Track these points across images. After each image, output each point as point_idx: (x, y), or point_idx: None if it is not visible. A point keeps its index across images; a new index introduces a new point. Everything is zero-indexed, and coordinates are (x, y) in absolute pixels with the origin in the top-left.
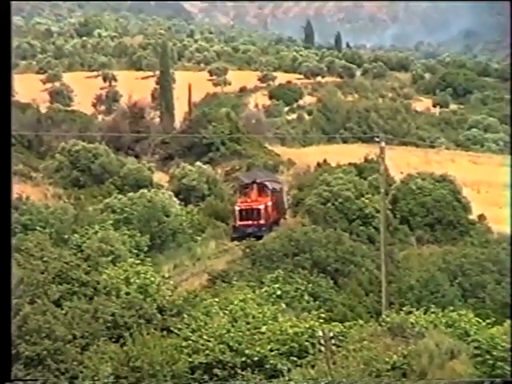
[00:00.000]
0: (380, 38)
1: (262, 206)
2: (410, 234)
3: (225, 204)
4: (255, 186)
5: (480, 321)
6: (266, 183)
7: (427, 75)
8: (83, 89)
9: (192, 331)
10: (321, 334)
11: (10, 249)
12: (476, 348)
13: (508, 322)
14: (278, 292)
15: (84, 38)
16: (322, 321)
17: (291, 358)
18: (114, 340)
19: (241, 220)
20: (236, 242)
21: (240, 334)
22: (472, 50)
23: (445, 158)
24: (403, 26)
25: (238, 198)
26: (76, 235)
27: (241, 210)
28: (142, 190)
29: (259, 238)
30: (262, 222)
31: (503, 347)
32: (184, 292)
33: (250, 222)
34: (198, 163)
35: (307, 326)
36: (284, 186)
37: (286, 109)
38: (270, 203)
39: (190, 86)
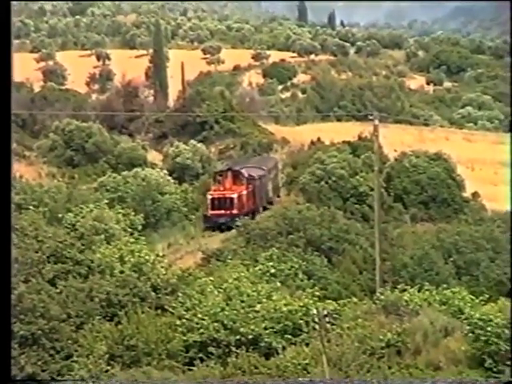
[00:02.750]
0: (374, 15)
1: (235, 195)
2: (404, 212)
3: None
4: (230, 173)
5: (474, 298)
6: (242, 171)
7: (421, 53)
8: (77, 68)
9: (186, 310)
10: (315, 312)
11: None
12: (470, 325)
13: (502, 299)
14: (273, 270)
15: (77, 17)
16: (316, 299)
17: (285, 336)
18: (108, 319)
19: (212, 209)
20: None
21: (234, 312)
22: (466, 27)
23: (439, 136)
24: (397, 3)
25: (211, 186)
26: (70, 214)
27: (213, 199)
28: (136, 169)
29: (232, 228)
30: (234, 211)
31: (497, 324)
32: (178, 270)
33: (223, 212)
34: (192, 142)
35: (301, 304)
36: (268, 172)
37: (280, 87)
38: (244, 192)
39: (183, 64)
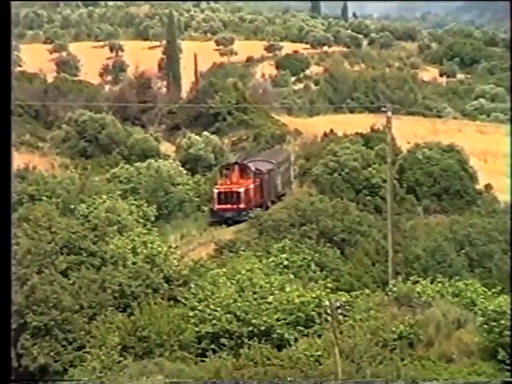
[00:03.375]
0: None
1: (242, 189)
2: (416, 204)
3: None
4: (236, 167)
5: (486, 290)
6: (249, 164)
7: (434, 45)
8: (90, 59)
9: (199, 301)
10: (327, 303)
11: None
12: (483, 317)
13: None
14: (285, 262)
15: (90, 8)
16: (328, 290)
17: (298, 327)
18: (121, 310)
19: (219, 203)
20: None
21: (247, 303)
22: (480, 19)
23: (452, 128)
24: None
25: (218, 180)
26: (83, 205)
27: (219, 193)
28: (148, 160)
29: (238, 223)
30: (241, 206)
31: (510, 316)
32: (191, 262)
33: (229, 206)
34: (205, 133)
35: (314, 295)
36: (277, 166)
37: (293, 79)
38: (251, 186)
39: (196, 55)
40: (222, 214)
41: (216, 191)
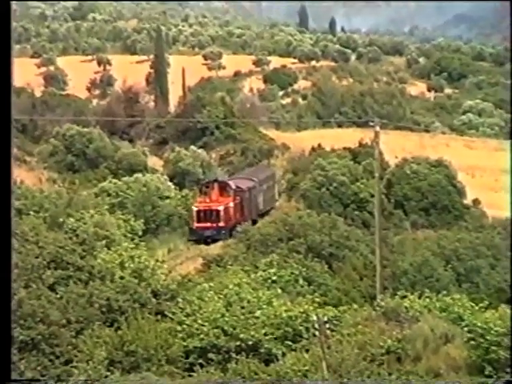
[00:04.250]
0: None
1: (221, 207)
2: (404, 219)
3: None
4: (216, 184)
5: (473, 305)
6: (229, 182)
7: (422, 59)
8: (78, 73)
9: (186, 315)
10: (315, 318)
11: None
12: (470, 332)
13: (502, 306)
14: (273, 277)
15: (78, 22)
16: (316, 305)
17: (286, 342)
18: (108, 324)
19: (198, 222)
20: None
21: (234, 318)
22: (467, 34)
23: (440, 143)
24: (398, 10)
25: (197, 198)
26: (71, 219)
27: (199, 211)
28: (136, 175)
29: (218, 241)
30: (221, 224)
31: (497, 332)
32: (178, 276)
33: (209, 224)
34: (193, 147)
35: (302, 310)
36: (259, 184)
37: (281, 93)
38: (231, 204)
39: (184, 70)
40: (202, 233)
41: (195, 209)
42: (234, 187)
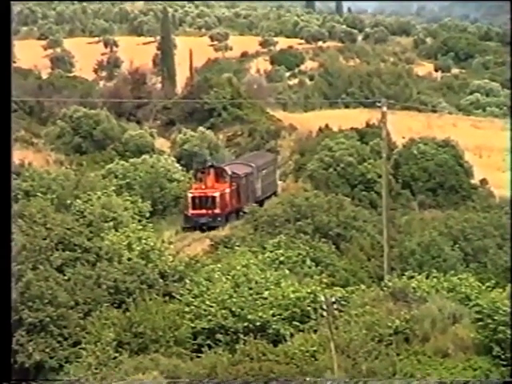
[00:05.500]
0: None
1: (217, 194)
2: (411, 199)
3: None
4: (212, 170)
5: (480, 285)
6: (226, 168)
7: (429, 40)
8: (84, 55)
9: (194, 297)
10: (323, 299)
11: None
12: (478, 312)
13: (510, 285)
14: (281, 257)
15: (85, 4)
16: (324, 286)
17: (293, 323)
18: (116, 306)
19: (193, 208)
20: None
21: (242, 299)
22: (474, 14)
23: (447, 123)
24: None
25: (193, 184)
26: (78, 201)
27: (194, 198)
28: (144, 156)
29: (214, 228)
30: (216, 211)
31: (505, 311)
32: (186, 257)
33: (204, 211)
34: (200, 129)
35: (309, 291)
36: (256, 170)
37: (288, 74)
38: (227, 190)
39: (191, 51)
40: (197, 220)
41: (190, 195)
42: (230, 173)
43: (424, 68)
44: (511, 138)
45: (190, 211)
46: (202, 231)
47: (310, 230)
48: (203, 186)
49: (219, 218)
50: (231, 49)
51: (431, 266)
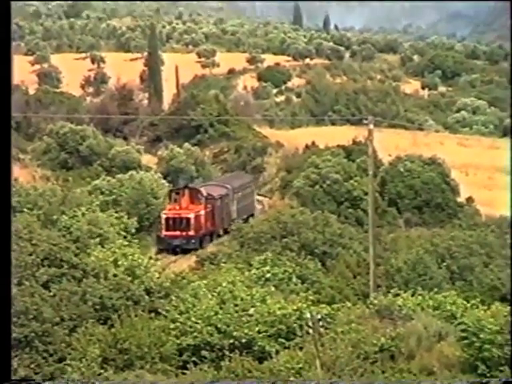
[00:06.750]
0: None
1: (192, 215)
2: (398, 217)
3: None
4: (187, 191)
5: (466, 303)
6: (201, 189)
7: (416, 57)
8: (71, 70)
9: (180, 313)
10: (309, 316)
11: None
12: (463, 331)
13: (496, 304)
14: (267, 274)
15: (72, 20)
16: (309, 303)
17: (279, 339)
18: (101, 322)
19: (167, 230)
20: None
21: (228, 316)
22: (461, 32)
23: (433, 141)
24: (392, 7)
25: (167, 205)
26: (64, 217)
27: (167, 218)
28: (130, 172)
29: (187, 251)
30: (191, 233)
31: (490, 330)
32: (172, 274)
33: (178, 233)
34: (187, 145)
35: (295, 308)
36: (232, 192)
37: (275, 91)
38: (202, 212)
39: (177, 67)
40: (170, 242)
41: (164, 216)
42: (205, 194)
43: (411, 86)
44: (511, 158)
45: (164, 232)
46: (175, 254)
47: (296, 247)
48: (177, 207)
49: (193, 241)
50: (218, 65)
51: (417, 283)
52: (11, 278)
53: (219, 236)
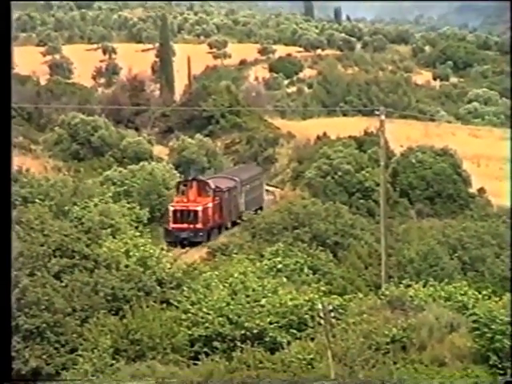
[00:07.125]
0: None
1: (199, 208)
2: (409, 208)
3: None
4: (195, 183)
5: (477, 294)
6: (209, 181)
7: (427, 48)
8: (83, 61)
9: (191, 304)
10: (320, 306)
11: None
12: (475, 321)
13: (507, 295)
14: (278, 265)
15: (84, 11)
16: (321, 294)
17: (291, 330)
18: (113, 313)
19: (175, 222)
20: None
21: (240, 306)
22: (473, 23)
23: (445, 132)
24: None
25: (175, 197)
26: (76, 208)
27: (175, 211)
28: (142, 163)
29: (195, 244)
30: (198, 225)
31: (502, 320)
32: (183, 265)
33: (185, 226)
34: (198, 136)
35: (307, 298)
36: (240, 184)
37: (286, 82)
38: (210, 204)
39: (189, 58)
40: (177, 234)
41: (171, 209)
42: (213, 187)
43: (422, 76)
44: (511, 147)
45: (171, 225)
46: (183, 246)
47: (307, 238)
48: (185, 200)
49: (201, 233)
50: (230, 56)
51: (429, 274)
52: (11, 280)
53: (227, 229)
